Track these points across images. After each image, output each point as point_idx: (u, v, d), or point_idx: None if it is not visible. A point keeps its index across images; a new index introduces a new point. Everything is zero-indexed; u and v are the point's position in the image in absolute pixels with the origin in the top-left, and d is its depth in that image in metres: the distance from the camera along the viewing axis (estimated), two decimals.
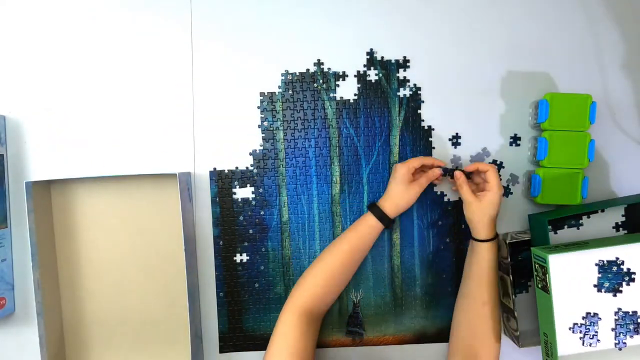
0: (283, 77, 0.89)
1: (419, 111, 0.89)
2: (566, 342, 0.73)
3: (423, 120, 0.90)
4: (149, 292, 0.89)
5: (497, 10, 0.89)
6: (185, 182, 0.84)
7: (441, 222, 0.90)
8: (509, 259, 0.82)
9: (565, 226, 0.89)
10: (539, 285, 0.75)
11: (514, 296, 0.83)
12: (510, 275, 0.82)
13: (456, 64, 0.89)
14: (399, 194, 0.83)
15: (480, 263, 0.82)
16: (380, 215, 0.83)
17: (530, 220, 0.86)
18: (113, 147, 0.88)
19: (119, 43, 0.88)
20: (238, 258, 0.90)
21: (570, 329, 0.73)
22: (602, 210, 0.88)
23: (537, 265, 0.76)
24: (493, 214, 0.81)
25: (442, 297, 0.91)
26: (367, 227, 0.84)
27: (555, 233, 0.89)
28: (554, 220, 0.87)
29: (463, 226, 0.90)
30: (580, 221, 0.89)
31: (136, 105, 0.88)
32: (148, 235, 0.88)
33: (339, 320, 0.91)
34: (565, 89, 0.89)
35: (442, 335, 0.91)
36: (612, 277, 0.72)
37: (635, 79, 0.90)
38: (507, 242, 0.82)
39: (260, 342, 0.90)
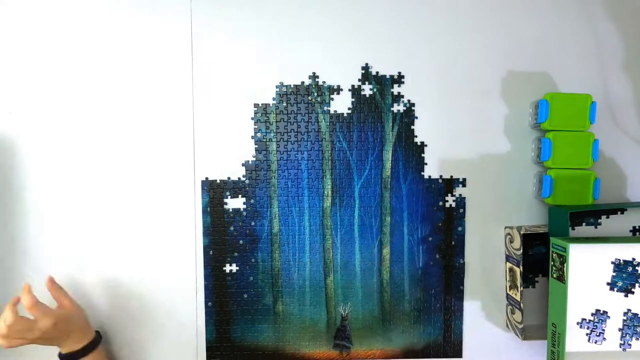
0: (278, 89, 0.89)
1: (412, 127, 0.90)
2: (573, 336, 0.74)
3: (416, 136, 0.90)
4: None
5: (497, 10, 0.89)
6: None
7: (431, 238, 0.91)
8: (520, 251, 0.83)
9: (584, 223, 0.89)
10: (554, 275, 0.76)
11: (521, 288, 0.84)
12: (521, 267, 0.83)
13: (453, 74, 0.89)
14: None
15: None
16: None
17: (550, 212, 0.85)
18: (110, 155, 0.88)
19: (117, 53, 0.87)
20: (227, 268, 0.90)
21: (578, 323, 0.74)
22: (622, 212, 0.88)
23: (554, 255, 0.76)
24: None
25: (430, 313, 0.91)
26: None
27: (573, 229, 0.89)
28: (572, 215, 0.87)
29: (453, 242, 0.90)
30: (599, 220, 0.89)
31: (134, 116, 0.88)
32: None
33: (327, 334, 0.91)
34: (565, 89, 0.90)
35: (429, 351, 0.91)
36: (626, 277, 0.73)
37: (635, 79, 0.90)
38: (521, 233, 0.83)
39: (248, 353, 0.90)
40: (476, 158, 0.90)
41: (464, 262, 0.91)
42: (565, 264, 0.73)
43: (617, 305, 0.73)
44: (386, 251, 0.90)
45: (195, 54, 0.88)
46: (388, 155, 0.90)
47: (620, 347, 0.74)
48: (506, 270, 0.90)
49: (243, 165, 0.89)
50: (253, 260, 0.90)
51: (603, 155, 0.88)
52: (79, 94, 0.88)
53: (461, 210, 0.90)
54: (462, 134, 0.90)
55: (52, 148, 0.88)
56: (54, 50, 0.87)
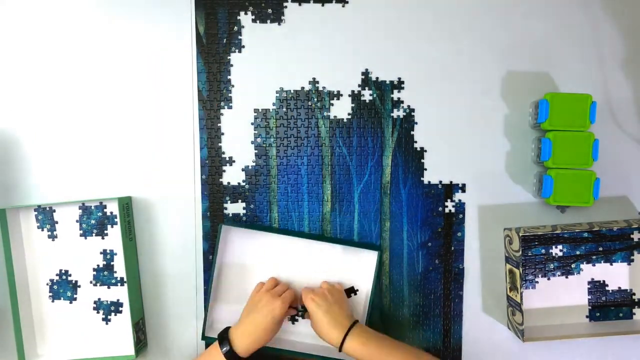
0: (278, 95, 0.89)
1: (412, 132, 0.90)
2: None
3: (416, 142, 0.90)
4: None
5: (497, 11, 0.89)
6: None
7: (431, 243, 0.91)
8: (519, 252, 0.83)
9: None
10: None
11: (521, 289, 0.84)
12: (520, 268, 0.84)
13: (453, 78, 0.89)
14: (267, 332, 0.79)
15: None
16: (230, 355, 0.77)
17: None
18: (110, 158, 0.89)
19: (118, 57, 0.88)
20: None
21: None
22: None
23: None
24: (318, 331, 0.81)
25: (429, 318, 0.91)
26: None
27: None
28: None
29: (453, 248, 0.90)
30: None
31: (135, 120, 0.88)
32: None
33: None
34: (565, 89, 0.90)
35: None
36: None
37: (635, 79, 0.90)
38: (520, 235, 0.83)
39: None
40: (476, 161, 0.90)
41: (463, 268, 0.91)
42: None
43: None
44: (385, 256, 0.90)
45: (196, 59, 0.88)
46: (388, 160, 0.90)
47: None
48: (506, 272, 0.90)
49: (243, 170, 0.89)
50: None
51: (603, 155, 0.87)
52: (79, 95, 0.88)
53: (460, 216, 0.90)
54: (462, 138, 0.90)
55: (53, 149, 0.88)
56: (55, 49, 0.88)
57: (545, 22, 0.89)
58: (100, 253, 0.89)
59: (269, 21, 0.88)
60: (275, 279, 0.87)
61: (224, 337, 0.79)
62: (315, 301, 0.81)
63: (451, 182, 0.90)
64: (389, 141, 0.90)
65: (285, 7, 0.88)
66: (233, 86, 0.89)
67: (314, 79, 0.89)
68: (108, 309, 0.89)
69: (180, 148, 0.89)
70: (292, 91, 0.89)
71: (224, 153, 0.89)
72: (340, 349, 0.78)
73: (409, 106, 0.89)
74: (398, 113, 0.90)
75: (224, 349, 0.77)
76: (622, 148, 0.91)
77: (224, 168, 0.89)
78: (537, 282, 0.91)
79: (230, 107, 0.89)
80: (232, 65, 0.88)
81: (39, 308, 0.89)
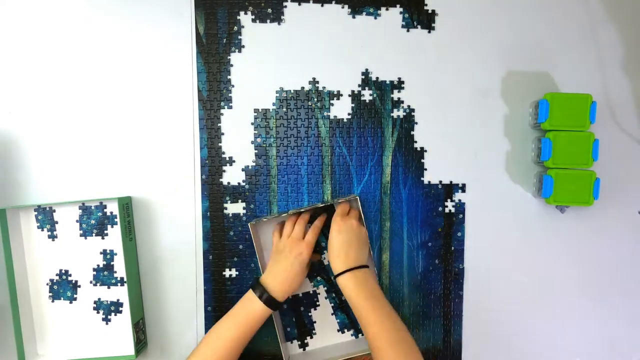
0: (278, 95, 0.89)
1: (412, 132, 0.90)
2: None
3: (416, 142, 0.90)
4: None
5: (497, 11, 0.89)
6: None
7: (431, 243, 0.91)
8: None
9: None
10: None
11: None
12: None
13: (453, 78, 0.89)
14: (298, 277, 0.81)
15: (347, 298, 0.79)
16: (269, 301, 0.79)
17: None
18: (110, 159, 0.89)
19: (118, 57, 0.88)
20: (227, 273, 0.90)
21: None
22: None
23: None
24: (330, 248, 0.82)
25: (430, 318, 0.91)
26: (253, 314, 0.79)
27: None
28: None
29: (453, 248, 0.90)
30: None
31: (134, 120, 0.88)
32: None
33: None
34: (565, 89, 0.90)
35: (429, 356, 0.91)
36: None
37: (635, 79, 0.90)
38: None
39: (247, 358, 0.90)
40: (476, 162, 0.90)
41: (463, 268, 0.91)
42: None
43: None
44: (385, 257, 0.90)
45: (196, 59, 0.88)
46: (388, 160, 0.90)
47: None
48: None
49: (243, 170, 0.89)
50: (253, 265, 0.90)
51: (603, 155, 0.87)
52: (79, 95, 0.88)
53: (460, 216, 0.90)
54: (462, 138, 0.90)
55: (53, 149, 0.88)
56: (54, 48, 0.88)
57: (545, 22, 0.89)
58: (100, 253, 0.89)
59: (268, 21, 0.88)
60: (293, 220, 0.85)
61: (256, 285, 0.81)
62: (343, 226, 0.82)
63: (451, 182, 0.90)
64: (389, 141, 0.90)
65: (285, 7, 0.88)
66: (233, 86, 0.89)
67: (314, 79, 0.89)
68: (108, 309, 0.89)
69: (180, 148, 0.89)
70: (292, 91, 0.89)
71: (224, 153, 0.89)
72: (335, 277, 0.80)
73: (409, 106, 0.90)
74: (398, 113, 0.90)
75: (264, 295, 0.79)
76: (622, 148, 0.90)
77: (224, 168, 0.89)
78: None
79: (230, 107, 0.89)
80: (232, 65, 0.89)
81: (39, 308, 0.89)
